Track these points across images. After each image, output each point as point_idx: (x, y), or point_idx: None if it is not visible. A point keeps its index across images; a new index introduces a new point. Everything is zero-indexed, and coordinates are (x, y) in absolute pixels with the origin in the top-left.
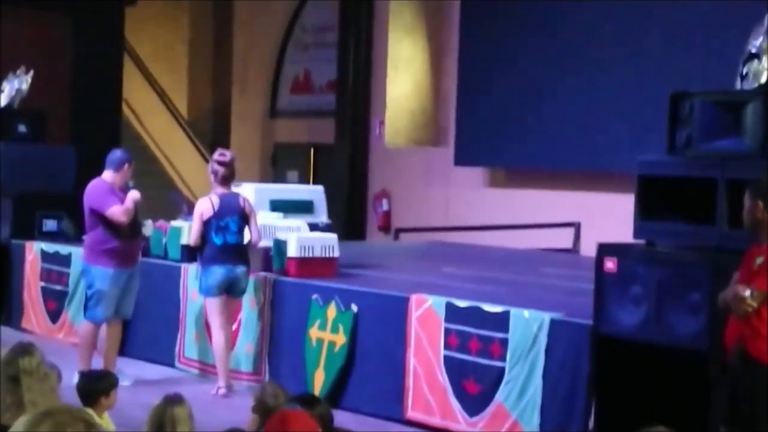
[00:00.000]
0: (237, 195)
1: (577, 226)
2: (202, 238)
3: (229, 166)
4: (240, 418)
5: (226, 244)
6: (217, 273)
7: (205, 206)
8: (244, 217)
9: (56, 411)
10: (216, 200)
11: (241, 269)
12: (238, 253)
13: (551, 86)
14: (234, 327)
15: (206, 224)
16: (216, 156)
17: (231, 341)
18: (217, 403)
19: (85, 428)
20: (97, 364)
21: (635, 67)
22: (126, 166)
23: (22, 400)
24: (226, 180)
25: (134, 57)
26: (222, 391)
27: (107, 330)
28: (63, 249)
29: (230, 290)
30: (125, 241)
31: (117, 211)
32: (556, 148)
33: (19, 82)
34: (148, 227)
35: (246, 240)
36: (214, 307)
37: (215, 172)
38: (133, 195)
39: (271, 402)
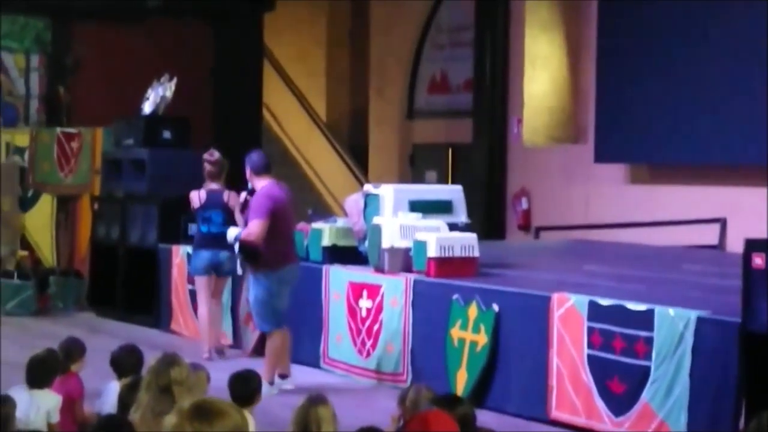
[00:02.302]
0: (222, 191)
1: (722, 222)
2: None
3: (215, 164)
4: (383, 419)
5: (210, 233)
6: (203, 256)
7: (193, 199)
8: (228, 211)
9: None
10: (203, 195)
11: (224, 254)
12: (222, 240)
13: (692, 80)
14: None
15: (195, 214)
16: (205, 155)
17: (217, 313)
18: (361, 403)
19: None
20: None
21: None
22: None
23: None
24: (212, 176)
25: (273, 61)
26: (205, 355)
27: None
28: None
29: (216, 271)
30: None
31: None
32: (699, 142)
33: (163, 90)
34: (230, 233)
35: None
36: (200, 284)
37: (203, 169)
38: None
39: (414, 403)
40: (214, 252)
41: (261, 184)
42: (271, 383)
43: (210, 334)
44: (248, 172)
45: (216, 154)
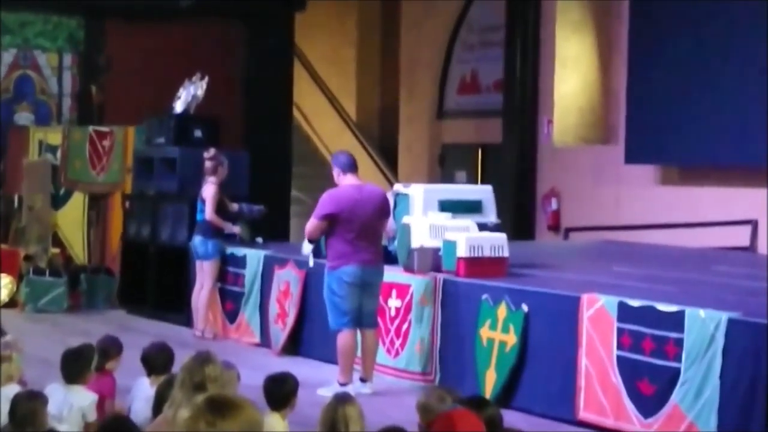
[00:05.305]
0: (205, 185)
1: (754, 224)
2: None
3: (210, 160)
4: (410, 418)
5: (196, 220)
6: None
7: None
8: (203, 202)
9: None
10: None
11: (196, 238)
12: (198, 226)
13: (724, 81)
14: (208, 289)
15: None
16: (204, 153)
17: (204, 297)
18: (389, 403)
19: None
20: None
21: None
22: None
23: None
24: (208, 171)
25: (304, 61)
26: (198, 333)
27: None
28: (239, 251)
29: (196, 255)
30: None
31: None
32: (730, 143)
33: (195, 89)
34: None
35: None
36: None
37: (203, 166)
38: None
39: (435, 405)
40: (193, 237)
41: (342, 183)
42: (343, 384)
43: (199, 315)
44: (334, 170)
45: (212, 152)
